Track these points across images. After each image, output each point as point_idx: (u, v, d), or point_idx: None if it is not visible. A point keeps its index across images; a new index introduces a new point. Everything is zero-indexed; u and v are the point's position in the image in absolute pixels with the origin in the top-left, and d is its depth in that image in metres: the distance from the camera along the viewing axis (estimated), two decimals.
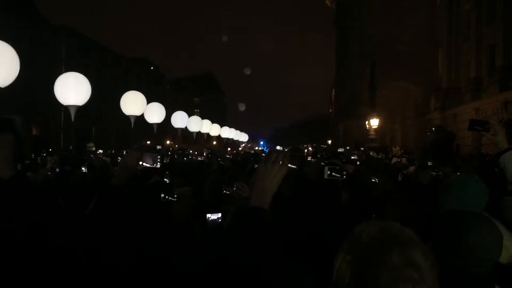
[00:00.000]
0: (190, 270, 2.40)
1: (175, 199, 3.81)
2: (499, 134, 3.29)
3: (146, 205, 3.67)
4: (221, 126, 40.49)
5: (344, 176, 4.06)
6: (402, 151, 21.07)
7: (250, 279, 1.84)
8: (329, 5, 65.18)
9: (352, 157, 11.58)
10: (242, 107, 70.87)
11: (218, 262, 2.13)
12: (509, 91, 25.41)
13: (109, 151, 20.62)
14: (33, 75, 35.88)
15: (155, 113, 18.17)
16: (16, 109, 34.24)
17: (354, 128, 47.74)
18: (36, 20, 47.61)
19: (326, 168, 4.10)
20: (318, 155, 12.35)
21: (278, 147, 38.08)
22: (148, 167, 3.15)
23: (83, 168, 7.43)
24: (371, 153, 16.09)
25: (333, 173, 4.03)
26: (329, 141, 64.82)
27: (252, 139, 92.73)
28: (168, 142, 57.82)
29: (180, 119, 24.01)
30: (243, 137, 57.31)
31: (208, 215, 3.52)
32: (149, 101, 17.12)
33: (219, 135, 40.09)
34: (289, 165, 2.18)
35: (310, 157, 11.18)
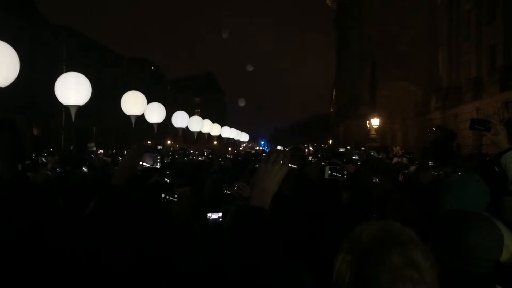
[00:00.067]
0: (190, 270, 2.40)
1: (175, 199, 3.81)
2: (500, 133, 3.28)
3: (146, 205, 3.67)
4: (222, 126, 40.50)
5: (345, 176, 4.07)
6: (403, 151, 21.05)
7: (250, 279, 1.84)
8: (329, 5, 65.22)
9: (353, 157, 11.58)
10: (242, 103, 70.87)
11: (218, 262, 2.12)
12: (509, 90, 25.40)
13: (109, 151, 20.61)
14: (33, 75, 35.90)
15: (155, 113, 18.18)
16: (17, 109, 34.26)
17: (355, 128, 47.75)
18: (36, 20, 47.62)
19: (327, 168, 4.10)
20: (319, 155, 12.36)
21: (279, 147, 38.14)
22: (148, 167, 3.15)
23: (83, 168, 7.43)
24: (372, 153, 16.07)
25: (334, 173, 4.03)
26: (330, 141, 64.88)
27: (253, 139, 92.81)
28: (168, 142, 57.82)
29: (180, 119, 24.01)
30: (243, 137, 57.32)
31: (209, 215, 3.52)
32: (149, 101, 17.12)
33: (220, 135, 40.09)
34: (289, 165, 2.17)
35: (311, 157, 11.19)
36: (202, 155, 16.85)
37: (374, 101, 40.22)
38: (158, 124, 18.36)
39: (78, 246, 2.43)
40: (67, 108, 11.45)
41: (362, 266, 1.40)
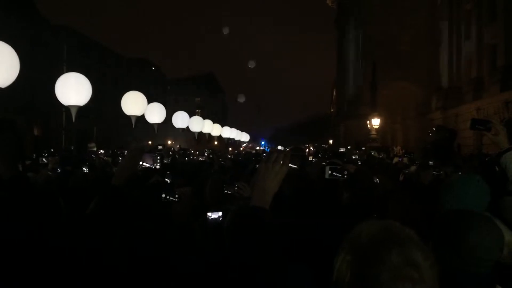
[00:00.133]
0: (190, 270, 2.40)
1: (176, 199, 3.81)
2: (501, 133, 3.28)
3: (147, 205, 3.66)
4: (222, 126, 40.48)
5: (345, 176, 4.06)
6: (403, 151, 21.05)
7: (250, 279, 1.84)
8: (330, 5, 65.27)
9: (353, 157, 11.59)
10: (241, 99, 70.57)
11: (218, 262, 2.12)
12: (510, 90, 25.37)
13: (110, 151, 20.62)
14: (34, 75, 35.93)
15: (155, 113, 18.17)
16: (17, 109, 34.27)
17: (355, 128, 47.81)
18: (36, 20, 47.65)
19: (327, 168, 4.10)
20: (319, 155, 12.36)
21: (279, 147, 38.19)
22: (148, 167, 3.15)
23: (84, 169, 7.43)
24: (373, 153, 16.09)
25: (334, 173, 4.03)
26: (330, 141, 64.90)
27: (254, 139, 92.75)
28: (169, 142, 57.82)
29: (181, 119, 24.01)
30: (244, 137, 57.30)
31: (209, 214, 3.52)
32: (149, 101, 17.12)
33: (220, 135, 40.07)
34: (290, 164, 2.17)
35: (311, 157, 11.19)
36: (203, 155, 16.86)
37: (374, 101, 40.27)
38: (158, 124, 18.36)
39: (78, 246, 2.43)
40: (67, 108, 11.45)
41: (362, 265, 1.40)
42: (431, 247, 2.08)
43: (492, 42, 29.59)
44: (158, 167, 3.19)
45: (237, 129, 50.18)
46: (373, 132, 37.46)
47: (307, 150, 28.16)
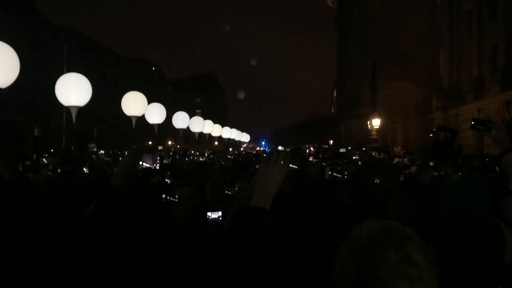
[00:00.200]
0: (190, 270, 2.40)
1: (176, 200, 3.81)
2: (501, 134, 3.28)
3: (147, 206, 3.66)
4: (222, 127, 40.51)
5: (345, 176, 4.07)
6: (404, 151, 21.05)
7: (250, 279, 1.84)
8: (330, 5, 65.27)
9: (354, 157, 11.58)
10: (241, 95, 70.79)
11: (218, 262, 2.12)
12: (511, 90, 25.37)
13: (110, 152, 20.63)
14: (34, 76, 35.95)
15: (156, 114, 18.20)
16: (17, 109, 34.28)
17: (355, 128, 47.84)
18: (36, 20, 47.69)
19: (328, 168, 4.11)
20: (320, 155, 12.35)
21: (279, 147, 38.18)
22: (148, 167, 3.15)
23: (84, 169, 7.43)
24: (373, 153, 16.07)
25: (334, 173, 4.04)
26: (331, 141, 64.90)
27: (254, 139, 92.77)
28: (169, 142, 57.82)
29: (181, 120, 24.03)
30: (244, 137, 57.34)
31: (209, 214, 3.52)
32: (149, 101, 17.13)
33: (221, 136, 40.11)
34: (290, 165, 2.17)
35: (312, 157, 11.18)
36: (203, 155, 16.86)
37: (374, 101, 40.26)
38: (158, 124, 18.38)
39: (78, 247, 2.43)
40: (67, 108, 11.46)
41: (362, 265, 1.40)
42: (431, 247, 2.08)
43: (492, 42, 29.59)
44: (157, 167, 3.19)
45: (238, 129, 50.23)
46: (374, 132, 37.47)
47: (307, 150, 28.14)
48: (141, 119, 16.61)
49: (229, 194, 4.32)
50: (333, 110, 78.33)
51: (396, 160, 13.96)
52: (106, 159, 12.72)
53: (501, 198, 3.44)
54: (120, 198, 2.78)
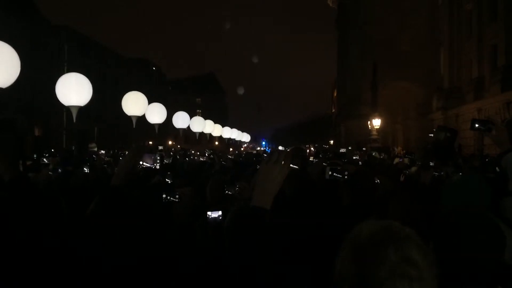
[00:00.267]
0: (190, 270, 2.40)
1: (176, 200, 3.82)
2: (501, 134, 3.28)
3: (147, 205, 3.67)
4: (223, 126, 40.51)
5: (346, 176, 4.07)
6: (404, 151, 21.04)
7: (250, 279, 1.84)
8: (330, 5, 65.26)
9: (354, 157, 11.57)
10: (241, 91, 71.01)
11: (218, 262, 2.12)
12: (511, 91, 25.36)
13: (111, 152, 20.64)
14: (34, 76, 35.95)
15: (156, 114, 18.21)
16: (17, 109, 34.28)
17: (356, 128, 47.83)
18: (37, 20, 47.72)
19: (328, 168, 4.11)
20: (320, 155, 12.34)
21: (280, 147, 38.15)
22: (149, 167, 3.15)
23: (85, 169, 7.44)
24: (374, 153, 16.06)
25: (334, 174, 4.04)
26: (331, 141, 64.89)
27: (254, 139, 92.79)
28: (170, 142, 57.84)
29: (181, 120, 24.03)
30: (245, 137, 57.33)
31: (209, 213, 3.53)
32: (150, 101, 17.13)
33: (221, 136, 40.11)
34: (291, 165, 2.17)
35: (312, 157, 11.17)
36: (204, 155, 16.87)
37: (375, 101, 40.23)
38: (159, 124, 18.39)
39: (78, 246, 2.43)
40: (68, 108, 11.46)
41: (362, 265, 1.40)
42: (431, 247, 2.08)
43: (492, 42, 29.58)
44: (158, 167, 3.19)
45: (238, 129, 50.22)
46: (374, 133, 37.46)
47: (307, 150, 28.13)
48: (141, 119, 16.62)
49: (229, 194, 4.32)
50: (333, 110, 78.30)
51: (396, 160, 13.95)
52: (106, 159, 12.73)
53: (501, 198, 3.44)
54: (120, 198, 2.78)
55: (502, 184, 3.46)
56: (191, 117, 25.96)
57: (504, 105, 26.36)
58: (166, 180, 5.92)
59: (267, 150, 45.02)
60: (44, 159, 10.07)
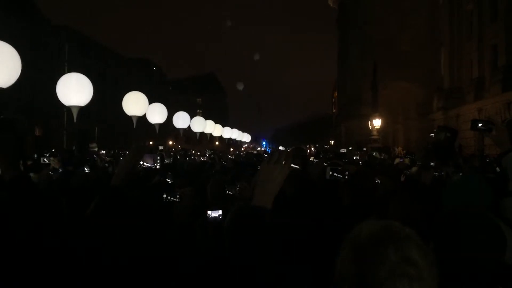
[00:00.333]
0: (190, 270, 2.40)
1: (177, 199, 3.82)
2: (502, 134, 3.28)
3: (147, 205, 3.67)
4: (223, 127, 40.50)
5: (346, 177, 4.07)
6: (405, 151, 21.03)
7: (250, 279, 1.84)
8: (331, 5, 65.27)
9: (355, 158, 11.58)
10: (240, 86, 70.86)
11: (218, 262, 2.12)
12: (511, 91, 25.36)
13: (111, 152, 20.65)
14: (34, 76, 35.96)
15: (157, 114, 18.20)
16: (17, 109, 34.30)
17: (356, 128, 47.84)
18: (37, 20, 47.72)
19: (328, 168, 4.11)
20: (321, 156, 12.34)
21: (280, 148, 38.13)
22: (149, 166, 3.16)
23: (85, 169, 7.44)
24: (374, 154, 16.06)
25: (335, 174, 4.04)
26: (332, 141, 64.87)
27: (255, 140, 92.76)
28: (170, 142, 57.84)
29: (182, 120, 24.02)
30: (245, 137, 57.30)
31: (209, 212, 3.53)
32: (150, 101, 17.13)
33: (221, 136, 40.10)
34: (291, 165, 2.17)
35: (313, 158, 11.17)
36: (204, 155, 16.87)
37: (375, 101, 40.22)
38: (159, 124, 18.38)
39: (78, 246, 2.43)
40: (68, 108, 11.47)
41: (362, 264, 1.40)
42: (431, 247, 2.08)
43: (493, 42, 29.58)
44: (158, 167, 3.20)
45: (238, 129, 50.21)
46: (374, 133, 37.45)
47: (308, 150, 28.12)
48: (142, 119, 16.61)
49: (230, 194, 4.32)
50: (334, 110, 78.28)
51: (397, 160, 13.94)
52: (107, 159, 12.74)
53: (501, 198, 3.45)
54: (120, 198, 2.78)
55: (502, 184, 3.46)
56: (191, 117, 25.94)
57: (504, 105, 26.36)
58: (167, 180, 5.93)
59: (267, 150, 44.99)
60: (45, 159, 10.07)
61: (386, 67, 44.53)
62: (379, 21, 48.90)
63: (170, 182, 5.89)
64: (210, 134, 33.02)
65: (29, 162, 9.33)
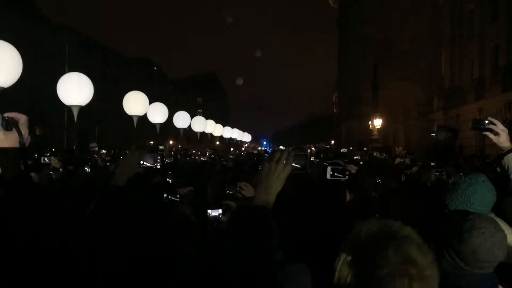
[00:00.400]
0: (190, 270, 2.40)
1: (177, 199, 3.82)
2: (502, 134, 3.28)
3: (147, 205, 3.67)
4: (224, 126, 40.47)
5: (347, 177, 4.06)
6: (405, 151, 21.04)
7: (250, 279, 1.84)
8: (331, 5, 65.27)
9: (355, 157, 11.58)
10: (239, 81, 70.76)
11: (218, 262, 2.12)
12: None
13: (112, 151, 20.65)
14: (34, 75, 35.93)
15: (157, 113, 18.17)
16: (18, 109, 34.26)
17: (356, 128, 47.83)
18: (37, 20, 47.72)
19: (329, 168, 4.10)
20: (321, 155, 12.35)
21: (281, 147, 38.11)
22: (149, 166, 3.16)
23: (86, 168, 7.45)
24: (375, 153, 16.08)
25: (335, 174, 4.03)
26: (332, 141, 64.89)
27: (255, 139, 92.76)
28: (171, 142, 57.84)
29: (182, 119, 23.99)
30: (246, 137, 57.27)
31: (209, 211, 3.53)
32: (151, 101, 17.11)
33: (222, 135, 40.08)
34: (293, 164, 2.17)
35: (313, 157, 11.18)
36: (205, 155, 16.88)
37: (376, 101, 40.26)
38: (160, 124, 18.37)
39: (78, 246, 2.43)
40: (69, 108, 11.46)
41: (362, 264, 1.40)
42: (432, 247, 2.08)
43: (494, 42, 29.57)
44: (158, 166, 3.20)
45: (239, 129, 50.18)
46: (375, 133, 37.47)
47: (309, 150, 28.11)
48: (142, 118, 16.60)
49: (230, 194, 4.32)
50: (334, 110, 78.28)
51: (397, 160, 13.95)
52: (108, 158, 12.75)
53: (501, 198, 3.44)
54: (120, 198, 2.78)
55: (503, 184, 3.45)
56: (192, 117, 25.93)
57: (505, 105, 26.36)
58: (167, 179, 5.93)
59: (268, 150, 45.00)
60: (45, 159, 10.07)
61: (386, 67, 44.54)
62: (379, 21, 48.85)
63: (170, 181, 5.89)
64: (211, 134, 33.00)
65: (30, 162, 9.34)
